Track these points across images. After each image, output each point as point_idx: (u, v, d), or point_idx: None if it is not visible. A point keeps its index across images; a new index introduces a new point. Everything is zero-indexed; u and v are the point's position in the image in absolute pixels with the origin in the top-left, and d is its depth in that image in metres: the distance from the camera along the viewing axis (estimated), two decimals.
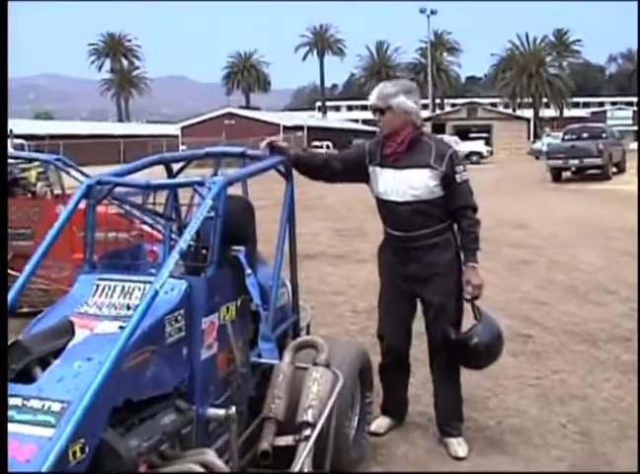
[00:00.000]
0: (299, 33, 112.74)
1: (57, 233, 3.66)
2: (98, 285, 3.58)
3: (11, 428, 2.80)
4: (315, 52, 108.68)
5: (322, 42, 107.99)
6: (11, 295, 3.42)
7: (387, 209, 4.83)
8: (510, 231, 15.10)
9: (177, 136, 61.85)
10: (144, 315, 3.07)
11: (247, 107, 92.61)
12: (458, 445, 4.84)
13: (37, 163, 9.77)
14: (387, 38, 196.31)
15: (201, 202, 3.59)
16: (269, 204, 20.01)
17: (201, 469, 3.12)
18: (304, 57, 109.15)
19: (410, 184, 4.67)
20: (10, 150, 26.70)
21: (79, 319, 3.38)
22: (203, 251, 4.04)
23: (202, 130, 57.15)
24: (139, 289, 3.43)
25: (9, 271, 8.44)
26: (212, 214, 4.04)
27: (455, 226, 4.82)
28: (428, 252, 4.75)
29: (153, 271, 3.84)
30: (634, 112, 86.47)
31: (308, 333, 5.19)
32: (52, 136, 48.37)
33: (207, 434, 3.60)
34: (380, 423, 5.11)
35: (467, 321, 4.91)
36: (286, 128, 62.37)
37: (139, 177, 4.06)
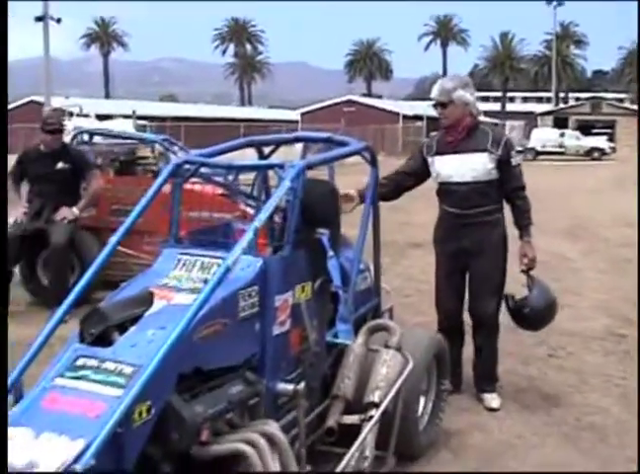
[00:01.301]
0: (423, 22, 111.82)
1: (142, 210, 3.84)
2: (179, 259, 3.75)
3: (85, 386, 3.01)
4: (438, 42, 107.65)
5: (445, 32, 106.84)
6: (95, 267, 3.59)
7: (447, 190, 5.36)
8: (620, 229, 14.79)
9: (297, 122, 62.36)
10: (215, 289, 3.21)
11: (369, 94, 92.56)
12: (492, 399, 5.37)
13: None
14: (512, 28, 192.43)
15: (280, 184, 3.70)
16: None
17: (250, 448, 3.20)
18: (427, 47, 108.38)
19: (470, 166, 5.20)
20: (130, 130, 27.57)
21: (159, 290, 3.55)
22: None
23: (322, 117, 57.25)
24: (218, 265, 3.56)
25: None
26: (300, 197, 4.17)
27: (508, 206, 5.37)
28: (480, 229, 5.26)
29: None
30: None
31: (391, 317, 5.27)
32: (174, 118, 49.60)
33: (276, 407, 3.73)
34: None
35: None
36: (406, 118, 62.05)
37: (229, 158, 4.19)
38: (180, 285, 3.60)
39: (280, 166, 3.81)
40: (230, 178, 5.32)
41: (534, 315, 5.34)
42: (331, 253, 4.37)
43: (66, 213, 7.61)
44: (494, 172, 5.20)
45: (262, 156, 4.67)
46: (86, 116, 40.04)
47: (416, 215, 15.23)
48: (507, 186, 5.26)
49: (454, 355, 5.35)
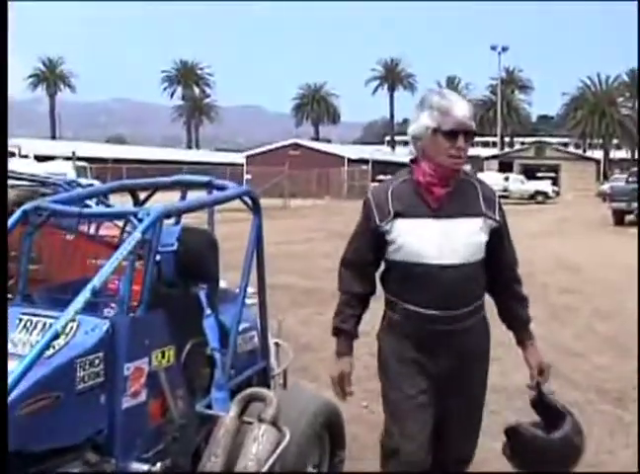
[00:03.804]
0: (370, 66, 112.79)
1: None
2: (21, 320, 3.28)
3: None
4: (386, 86, 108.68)
5: (393, 77, 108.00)
6: None
7: (419, 277, 3.43)
8: (560, 274, 14.59)
9: (242, 165, 62.06)
10: (38, 357, 2.74)
11: (317, 138, 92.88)
12: None
13: None
14: (458, 73, 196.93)
15: (130, 236, 3.24)
16: (324, 237, 19.99)
17: None
18: (374, 91, 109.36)
19: (463, 239, 3.43)
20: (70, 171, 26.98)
21: None
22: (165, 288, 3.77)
23: (267, 160, 56.99)
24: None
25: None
26: (175, 248, 3.78)
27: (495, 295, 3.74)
28: (465, 336, 3.52)
29: (108, 308, 3.53)
30: None
31: (285, 380, 4.80)
32: (117, 160, 49.02)
33: None
34: None
35: None
36: (351, 161, 62.04)
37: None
38: (15, 351, 3.11)
39: (135, 214, 3.35)
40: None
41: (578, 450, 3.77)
42: (208, 311, 3.92)
43: None
44: (484, 247, 3.49)
45: (136, 202, 4.21)
46: (25, 156, 39.44)
47: None
48: (504, 263, 3.63)
49: None
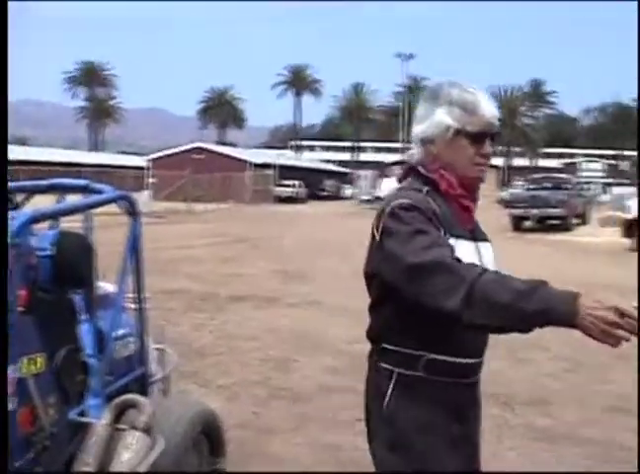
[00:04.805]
0: (276, 71, 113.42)
1: None
2: None
3: None
4: (292, 91, 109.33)
5: (299, 82, 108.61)
6: None
7: None
8: None
9: (144, 168, 61.31)
10: None
11: (221, 142, 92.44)
12: None
13: None
14: (365, 80, 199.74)
15: None
16: (225, 241, 19.80)
17: None
18: (280, 95, 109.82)
19: (491, 267, 2.58)
20: None
21: None
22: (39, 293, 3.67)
23: (171, 163, 56.47)
24: None
25: None
26: (50, 253, 3.70)
27: None
28: (478, 391, 2.83)
29: None
30: (605, 165, 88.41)
31: (167, 386, 4.75)
32: (17, 162, 47.73)
33: None
34: None
35: None
36: (255, 166, 61.94)
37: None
38: None
39: None
40: None
41: None
42: (84, 316, 3.85)
43: None
44: None
45: (13, 205, 4.10)
46: None
47: (246, 267, 14.87)
48: None
49: None
